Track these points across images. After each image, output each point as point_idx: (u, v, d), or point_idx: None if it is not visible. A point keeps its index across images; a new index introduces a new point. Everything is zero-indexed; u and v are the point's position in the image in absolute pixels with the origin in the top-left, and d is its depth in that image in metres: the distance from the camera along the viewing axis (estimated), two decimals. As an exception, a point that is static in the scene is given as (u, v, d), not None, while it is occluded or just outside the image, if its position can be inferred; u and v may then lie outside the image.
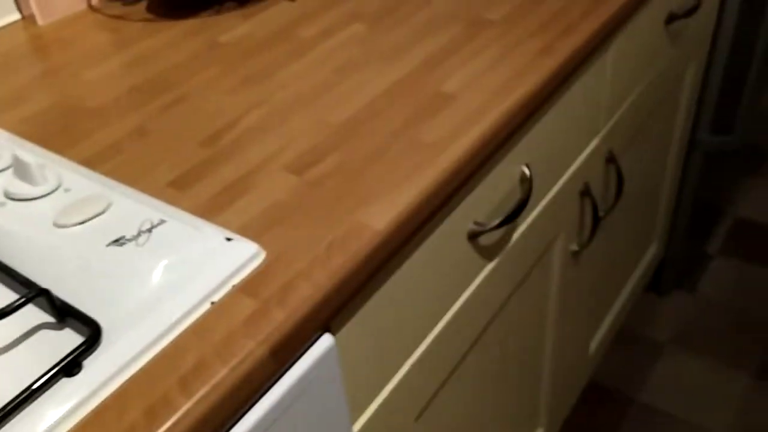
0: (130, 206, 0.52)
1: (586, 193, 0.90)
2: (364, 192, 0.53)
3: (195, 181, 0.56)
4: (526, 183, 0.72)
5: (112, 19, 0.86)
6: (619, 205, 1.11)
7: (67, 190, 0.55)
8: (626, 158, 1.06)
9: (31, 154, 0.60)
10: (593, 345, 1.24)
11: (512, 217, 0.68)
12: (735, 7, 1.19)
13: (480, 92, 0.64)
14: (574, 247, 0.94)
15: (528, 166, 0.72)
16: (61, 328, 0.43)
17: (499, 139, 0.62)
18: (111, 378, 0.39)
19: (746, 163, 1.94)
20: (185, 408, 0.39)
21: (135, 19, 0.86)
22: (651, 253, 1.45)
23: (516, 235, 0.76)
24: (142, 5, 0.90)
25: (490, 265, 0.73)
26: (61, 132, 0.64)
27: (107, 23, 0.86)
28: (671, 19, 0.97)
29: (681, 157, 1.37)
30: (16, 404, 0.37)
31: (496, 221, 0.67)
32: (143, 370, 0.41)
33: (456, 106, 0.62)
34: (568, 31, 0.71)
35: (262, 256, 0.48)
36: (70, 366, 0.39)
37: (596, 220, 0.94)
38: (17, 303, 0.41)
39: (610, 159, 0.95)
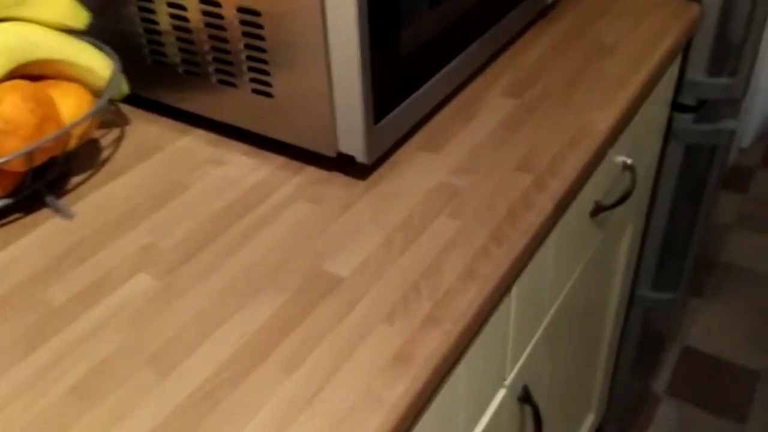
0: None
1: (490, 460, 0.67)
2: None
3: None
4: None
5: None
6: (548, 403, 0.88)
7: None
8: (549, 360, 0.84)
9: None
10: None
11: None
12: (674, 172, 1.00)
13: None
14: None
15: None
16: None
17: None
18: None
19: (691, 283, 1.77)
20: None
21: None
22: (589, 421, 1.24)
23: None
24: None
25: None
26: None
27: None
28: (598, 210, 0.76)
29: (620, 317, 1.16)
30: None
31: None
32: None
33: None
34: (437, 316, 0.48)
35: None
36: None
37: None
38: None
39: (525, 398, 0.72)
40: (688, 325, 1.66)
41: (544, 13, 0.86)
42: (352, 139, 0.57)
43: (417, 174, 0.61)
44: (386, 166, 0.62)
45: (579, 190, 0.64)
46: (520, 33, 0.82)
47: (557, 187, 0.59)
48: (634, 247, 1.06)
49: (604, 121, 0.67)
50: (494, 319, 0.58)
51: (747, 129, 2.14)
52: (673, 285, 1.16)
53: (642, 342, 1.33)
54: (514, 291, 0.61)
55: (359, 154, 0.57)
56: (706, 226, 1.11)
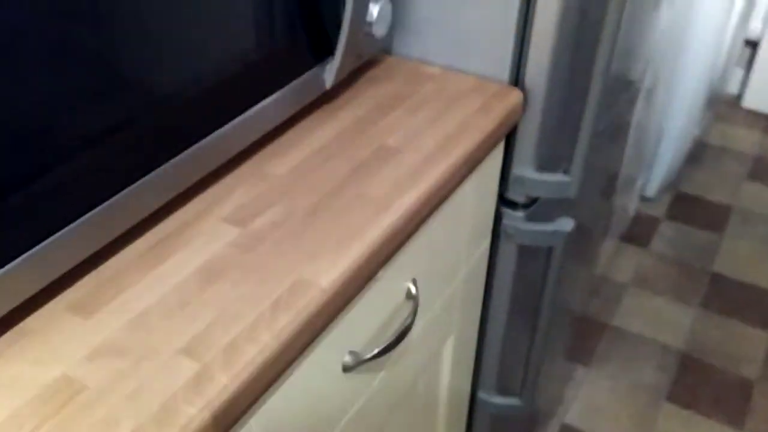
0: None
1: None
2: None
3: None
4: None
5: None
6: None
7: None
8: None
9: None
10: None
11: None
12: (508, 275, 0.86)
13: None
14: None
15: None
16: None
17: None
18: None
19: (574, 350, 1.65)
20: None
21: None
22: None
23: None
24: None
25: None
26: None
27: None
28: (357, 364, 0.60)
29: (460, 426, 1.02)
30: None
31: None
32: None
33: None
34: None
35: None
36: None
37: None
38: None
39: None
40: (570, 398, 1.54)
41: (326, 99, 0.70)
42: None
43: (42, 355, 0.44)
44: (8, 337, 0.46)
45: (276, 379, 0.48)
46: (284, 128, 0.66)
47: (223, 385, 0.43)
48: (463, 356, 0.91)
49: (333, 271, 0.51)
50: None
51: (653, 178, 2.03)
52: (518, 391, 1.03)
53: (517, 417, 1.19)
54: None
55: (-74, 343, 0.40)
56: (547, 334, 0.98)
